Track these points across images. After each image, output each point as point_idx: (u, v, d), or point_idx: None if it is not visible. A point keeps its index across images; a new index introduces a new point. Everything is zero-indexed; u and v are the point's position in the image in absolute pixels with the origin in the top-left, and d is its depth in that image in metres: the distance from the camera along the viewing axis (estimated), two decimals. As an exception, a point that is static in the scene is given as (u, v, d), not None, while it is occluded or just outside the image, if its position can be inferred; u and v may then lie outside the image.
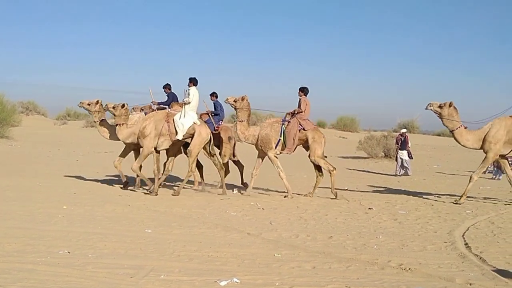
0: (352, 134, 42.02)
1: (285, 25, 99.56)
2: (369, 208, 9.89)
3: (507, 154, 10.95)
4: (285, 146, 11.33)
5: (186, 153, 11.67)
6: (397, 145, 18.17)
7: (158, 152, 11.80)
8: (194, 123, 11.25)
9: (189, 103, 11.24)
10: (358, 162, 22.77)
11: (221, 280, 5.15)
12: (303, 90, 11.48)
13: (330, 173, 11.22)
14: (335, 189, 11.32)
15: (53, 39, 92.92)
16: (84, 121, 38.54)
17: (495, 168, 17.58)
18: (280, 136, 11.27)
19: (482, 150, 11.00)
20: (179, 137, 11.28)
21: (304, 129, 11.28)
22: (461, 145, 11.17)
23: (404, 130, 18.84)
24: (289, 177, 15.80)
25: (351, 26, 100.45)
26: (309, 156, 11.41)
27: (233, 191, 12.06)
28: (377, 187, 14.16)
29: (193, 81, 11.43)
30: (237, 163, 12.70)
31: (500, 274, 5.54)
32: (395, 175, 17.45)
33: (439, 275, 5.50)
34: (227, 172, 12.35)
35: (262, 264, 5.83)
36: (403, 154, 17.72)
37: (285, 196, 11.23)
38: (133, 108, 12.36)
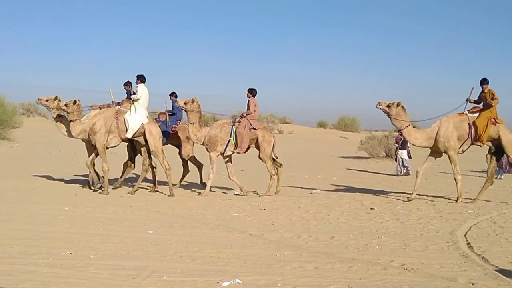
0: (353, 134, 42.05)
1: (286, 27, 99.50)
2: (371, 208, 9.88)
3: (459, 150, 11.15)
4: (236, 146, 11.50)
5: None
6: (397, 145, 18.16)
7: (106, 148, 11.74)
8: (143, 121, 11.34)
9: (137, 99, 11.29)
10: (359, 162, 22.76)
11: (224, 280, 5.15)
12: (252, 92, 11.66)
13: (271, 176, 11.47)
14: (268, 193, 11.53)
15: (55, 41, 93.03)
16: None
17: (497, 168, 17.56)
18: (231, 137, 11.46)
19: (431, 148, 11.24)
20: (129, 135, 11.39)
21: (254, 129, 11.49)
22: (411, 143, 11.46)
23: None
24: (290, 177, 15.85)
25: (352, 28, 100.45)
26: (259, 155, 11.59)
27: (234, 192, 12.04)
28: (378, 187, 14.15)
29: (140, 78, 11.53)
30: (194, 161, 12.80)
31: (503, 274, 5.52)
32: (396, 175, 17.44)
33: (442, 275, 5.49)
34: (186, 171, 12.73)
35: (264, 265, 5.82)
36: (403, 153, 17.71)
37: (199, 194, 11.56)
38: (91, 106, 12.45)
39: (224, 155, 11.62)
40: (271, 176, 11.48)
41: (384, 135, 25.25)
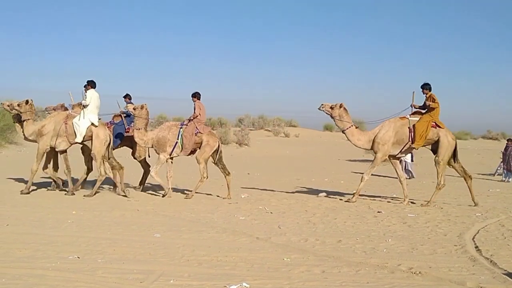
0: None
1: (293, 29, 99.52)
2: (378, 212, 9.85)
3: (397, 154, 11.27)
4: (182, 148, 11.63)
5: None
6: None
7: (63, 152, 11.86)
8: (92, 125, 11.39)
9: (86, 105, 11.38)
10: (366, 166, 22.65)
11: (231, 284, 5.15)
12: (196, 95, 11.79)
13: (201, 179, 11.55)
14: (196, 192, 11.70)
15: (61, 45, 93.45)
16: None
17: (505, 171, 17.48)
18: (178, 139, 11.57)
19: (373, 150, 11.39)
20: (78, 139, 11.49)
21: (200, 133, 11.60)
22: (353, 144, 11.67)
23: None
24: (297, 180, 15.85)
25: (359, 31, 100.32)
26: (196, 156, 11.74)
27: (242, 195, 12.04)
28: (385, 190, 14.10)
29: (91, 84, 11.62)
30: (144, 164, 12.87)
31: (511, 277, 5.49)
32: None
33: (450, 279, 5.47)
34: (147, 172, 12.71)
35: (271, 269, 5.82)
36: (407, 157, 17.66)
37: (163, 195, 11.62)
38: (46, 108, 12.46)
39: (171, 156, 11.74)
40: (201, 178, 11.53)
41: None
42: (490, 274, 5.66)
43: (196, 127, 11.58)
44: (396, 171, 11.61)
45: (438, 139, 10.94)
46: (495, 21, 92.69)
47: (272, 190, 12.98)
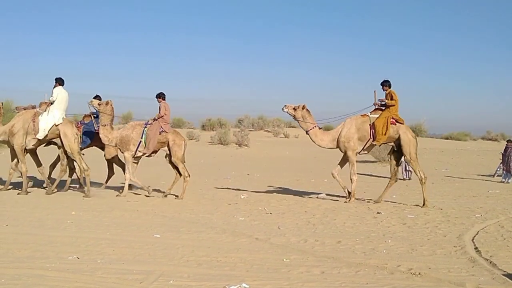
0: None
1: (289, 32, 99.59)
2: (378, 213, 9.85)
3: (360, 152, 11.42)
4: (145, 147, 11.74)
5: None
6: None
7: (28, 151, 11.89)
8: (57, 122, 11.44)
9: (52, 102, 11.43)
10: (365, 166, 22.69)
11: (230, 285, 5.15)
12: (161, 96, 11.91)
13: (184, 179, 11.62)
14: (183, 194, 11.59)
15: (61, 46, 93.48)
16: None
17: (504, 172, 17.49)
18: (142, 138, 11.67)
19: (339, 149, 11.50)
20: (40, 136, 11.51)
21: (165, 132, 11.68)
22: (317, 144, 11.80)
23: None
24: (296, 181, 15.84)
25: (358, 32, 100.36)
26: (170, 159, 11.79)
27: (241, 196, 12.04)
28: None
29: (58, 81, 11.69)
30: (111, 164, 12.97)
31: (511, 279, 5.49)
32: (403, 179, 17.38)
33: (449, 280, 5.46)
34: (111, 173, 12.86)
35: (271, 269, 5.81)
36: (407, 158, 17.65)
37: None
38: (16, 108, 12.54)
39: (135, 156, 11.82)
40: (184, 178, 11.58)
41: (390, 139, 25.15)
42: (490, 275, 5.66)
43: (161, 127, 11.70)
44: (338, 166, 11.69)
45: (399, 137, 11.09)
46: (495, 21, 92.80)
47: (272, 191, 12.97)
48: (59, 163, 12.39)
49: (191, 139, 35.29)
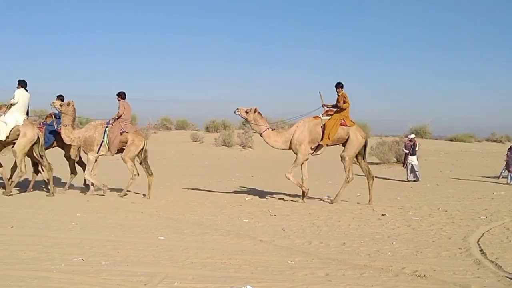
0: (364, 139, 41.74)
1: (293, 33, 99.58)
2: (382, 215, 9.83)
3: (312, 153, 11.58)
4: (108, 148, 11.80)
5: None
6: (406, 151, 18.06)
7: None
8: (18, 124, 11.45)
9: (13, 104, 11.48)
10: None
11: (235, 287, 5.15)
12: (120, 95, 12.00)
13: (132, 177, 11.71)
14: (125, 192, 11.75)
15: (62, 47, 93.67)
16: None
17: (510, 174, 17.42)
18: (103, 138, 11.74)
19: (292, 150, 11.65)
20: (2, 137, 11.54)
21: (126, 132, 11.77)
22: (271, 146, 11.97)
23: (412, 136, 18.74)
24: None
25: (360, 32, 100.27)
26: (121, 156, 11.89)
27: (245, 198, 12.04)
28: (389, 193, 14.07)
29: (21, 83, 11.75)
30: (81, 163, 12.94)
31: (517, 281, 5.47)
32: (407, 181, 17.34)
33: (454, 282, 5.45)
34: (74, 173, 12.78)
35: (275, 271, 5.81)
36: (413, 159, 17.63)
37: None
38: None
39: (98, 155, 11.90)
40: (132, 176, 11.67)
41: (395, 140, 25.10)
42: (495, 278, 5.64)
43: (122, 127, 11.79)
44: (302, 170, 11.74)
45: (349, 137, 11.35)
46: (499, 21, 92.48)
47: (276, 193, 12.96)
48: (39, 165, 12.33)
49: (195, 141, 35.35)
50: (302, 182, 11.59)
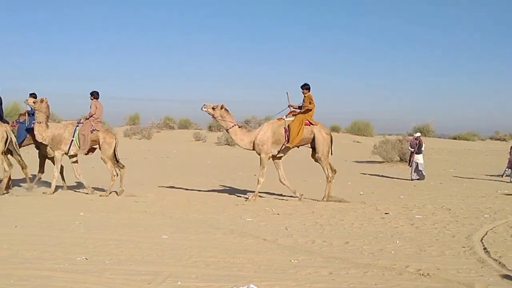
0: (366, 138, 41.81)
1: (294, 32, 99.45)
2: (386, 213, 9.81)
3: (276, 154, 11.68)
4: (79, 146, 11.90)
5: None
6: (412, 149, 18.00)
7: None
8: None
9: None
10: (373, 167, 22.63)
11: (238, 286, 5.14)
12: (93, 94, 12.11)
13: (112, 178, 11.84)
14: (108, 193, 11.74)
15: (63, 47, 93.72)
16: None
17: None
18: (73, 137, 11.85)
19: (255, 151, 11.73)
20: None
21: (96, 130, 11.88)
22: (236, 144, 12.16)
23: (418, 134, 18.68)
24: (303, 182, 15.80)
25: (362, 31, 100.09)
26: (101, 158, 11.98)
27: (246, 198, 12.03)
28: (393, 191, 14.05)
29: None
30: (41, 167, 12.95)
31: (521, 279, 5.45)
32: (411, 180, 17.31)
33: (458, 281, 5.43)
34: (41, 171, 12.81)
35: (278, 270, 5.81)
36: (419, 158, 17.58)
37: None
38: None
39: (69, 155, 11.99)
40: (112, 177, 11.79)
41: (398, 139, 25.09)
42: (499, 276, 5.62)
43: (92, 125, 11.88)
44: (278, 172, 11.83)
45: (314, 136, 11.46)
46: (503, 20, 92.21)
47: (279, 192, 12.95)
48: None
49: (198, 140, 35.40)
50: (282, 183, 11.73)
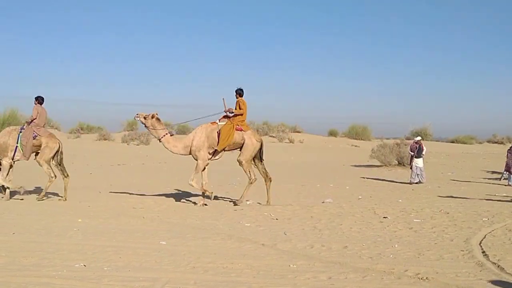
0: (364, 142, 41.86)
1: (292, 35, 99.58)
2: (384, 217, 9.81)
3: (210, 158, 11.82)
4: (22, 152, 11.96)
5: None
6: (412, 153, 18.02)
7: None
8: None
9: None
10: (371, 171, 22.65)
11: (237, 291, 5.14)
12: (37, 99, 12.11)
13: (50, 180, 11.82)
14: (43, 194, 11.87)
15: (65, 52, 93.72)
16: (97, 134, 38.84)
17: (510, 175, 17.41)
18: (17, 143, 11.88)
19: (192, 156, 11.80)
20: None
21: (39, 135, 11.89)
22: (170, 151, 12.09)
23: (418, 138, 18.71)
24: (301, 186, 15.82)
25: (359, 34, 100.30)
26: (36, 159, 12.00)
27: (247, 201, 12.02)
28: (391, 195, 14.05)
29: None
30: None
31: (520, 283, 5.45)
32: (410, 183, 17.33)
33: (457, 284, 5.43)
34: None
35: (277, 275, 5.80)
36: (418, 162, 17.61)
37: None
38: None
39: (13, 160, 11.98)
40: (49, 178, 11.79)
41: (395, 143, 25.12)
42: (498, 279, 5.62)
43: (34, 131, 11.90)
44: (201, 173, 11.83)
45: (244, 141, 11.63)
46: (501, 24, 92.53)
47: (277, 197, 12.95)
48: None
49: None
50: (203, 186, 11.75)
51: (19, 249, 6.88)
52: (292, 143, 39.52)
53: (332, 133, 46.98)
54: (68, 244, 7.31)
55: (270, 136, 42.36)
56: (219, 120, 11.78)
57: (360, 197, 13.38)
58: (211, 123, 11.79)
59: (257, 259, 6.54)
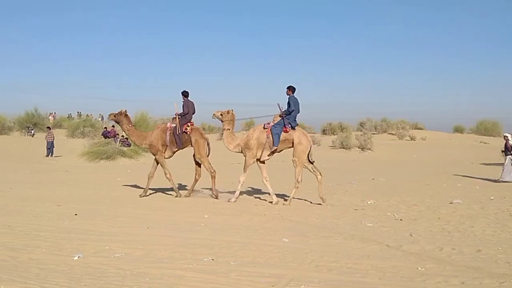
0: (494, 139, 38.85)
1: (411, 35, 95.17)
2: (521, 220, 9.01)
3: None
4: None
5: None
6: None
7: None
8: None
9: None
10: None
11: (363, 292, 5.03)
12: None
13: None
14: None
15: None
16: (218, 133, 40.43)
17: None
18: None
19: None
20: None
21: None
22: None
23: (506, 134, 17.14)
24: (426, 186, 15.05)
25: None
26: None
27: (368, 202, 11.73)
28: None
29: None
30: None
31: None
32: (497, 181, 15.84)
33: None
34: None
35: (405, 278, 5.58)
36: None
37: None
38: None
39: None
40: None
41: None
42: None
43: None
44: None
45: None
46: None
47: (400, 196, 12.48)
48: None
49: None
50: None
51: (153, 243, 7.35)
52: (414, 140, 37.82)
53: (458, 130, 44.26)
54: (197, 238, 7.67)
55: (389, 133, 41.04)
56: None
57: (492, 197, 12.40)
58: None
59: (383, 260, 6.36)
